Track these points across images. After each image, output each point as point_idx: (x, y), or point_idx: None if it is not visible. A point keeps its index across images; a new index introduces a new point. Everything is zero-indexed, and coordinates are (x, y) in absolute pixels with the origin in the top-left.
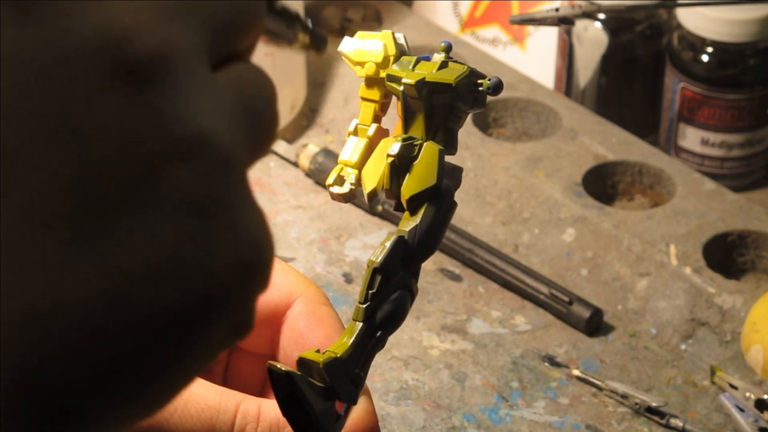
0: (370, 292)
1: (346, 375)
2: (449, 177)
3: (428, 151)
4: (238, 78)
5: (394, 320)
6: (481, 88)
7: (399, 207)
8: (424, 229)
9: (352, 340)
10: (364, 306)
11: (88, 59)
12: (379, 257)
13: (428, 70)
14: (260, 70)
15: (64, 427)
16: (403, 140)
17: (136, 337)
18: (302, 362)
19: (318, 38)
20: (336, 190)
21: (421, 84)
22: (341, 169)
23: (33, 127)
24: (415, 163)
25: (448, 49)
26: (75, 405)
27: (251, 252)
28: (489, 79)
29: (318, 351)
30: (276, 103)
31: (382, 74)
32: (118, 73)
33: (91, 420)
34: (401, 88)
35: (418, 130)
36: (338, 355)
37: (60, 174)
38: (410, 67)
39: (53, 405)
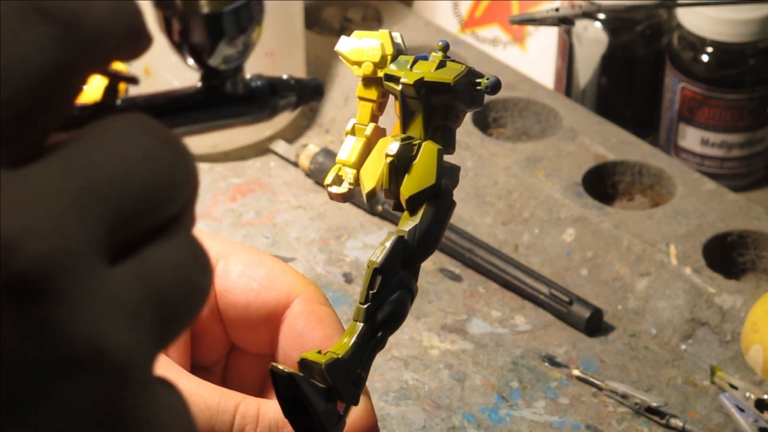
0: (371, 292)
1: (347, 375)
2: (447, 176)
3: (427, 150)
4: (144, 265)
5: (395, 320)
6: (479, 88)
7: (398, 207)
8: (423, 229)
9: (353, 341)
10: (365, 306)
11: None
12: (379, 258)
13: (426, 70)
14: (184, 240)
15: None
16: (402, 140)
17: None
18: (303, 363)
19: (309, 91)
20: (334, 189)
21: (420, 84)
22: (339, 169)
23: None
24: (414, 162)
25: (445, 48)
26: None
27: None
28: (487, 78)
29: (319, 352)
30: (199, 275)
31: (380, 74)
32: (0, 285)
33: None
34: (399, 87)
35: (416, 130)
36: (340, 356)
37: None
38: (408, 66)
39: None
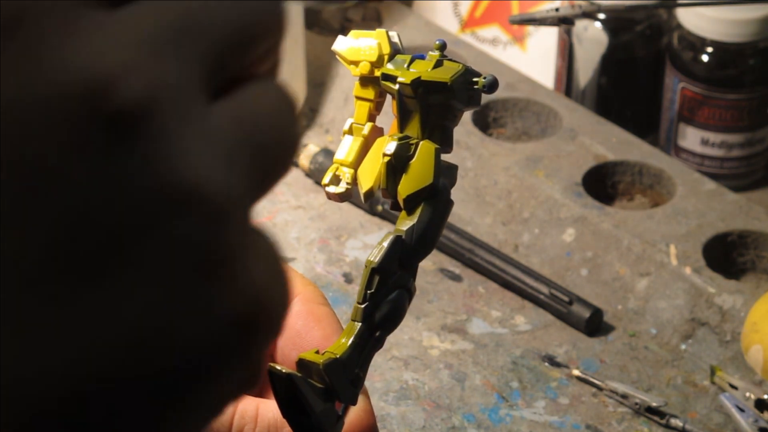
0: (369, 292)
1: (345, 375)
2: (445, 175)
3: (424, 150)
4: (243, 105)
5: (393, 320)
6: (476, 87)
7: (395, 206)
8: (421, 229)
9: (351, 341)
10: (363, 306)
11: (66, 107)
12: (377, 257)
13: (423, 69)
14: (275, 87)
15: None
16: (399, 139)
17: (126, 399)
18: (302, 363)
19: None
20: (332, 189)
21: (417, 83)
22: (337, 169)
23: (8, 181)
24: (412, 162)
25: (442, 47)
26: None
27: (254, 307)
28: (484, 78)
29: (317, 352)
30: (292, 124)
31: (377, 73)
32: (100, 122)
33: None
34: (396, 87)
35: (413, 129)
36: (338, 356)
37: (38, 231)
38: (405, 65)
39: None
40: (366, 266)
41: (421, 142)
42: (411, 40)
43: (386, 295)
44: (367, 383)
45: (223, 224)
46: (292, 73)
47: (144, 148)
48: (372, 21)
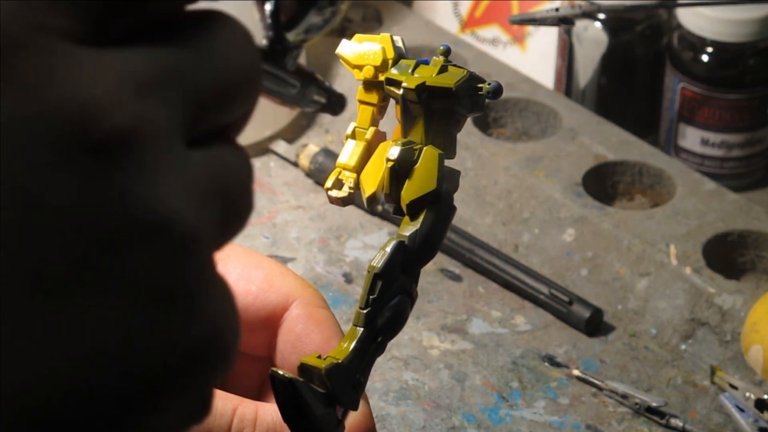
0: (371, 297)
1: (347, 381)
2: (448, 181)
3: (428, 155)
4: (215, 158)
5: (395, 325)
6: (480, 93)
7: (398, 211)
8: (424, 234)
9: (353, 346)
10: (365, 311)
11: (52, 131)
12: (379, 263)
13: (428, 74)
14: (241, 151)
15: None
16: (403, 144)
17: (81, 419)
18: (303, 368)
19: (335, 100)
20: (334, 193)
21: (421, 88)
22: (339, 173)
23: None
24: (415, 167)
25: (446, 52)
26: None
27: (210, 340)
28: (489, 84)
29: (319, 356)
30: (252, 188)
31: (381, 78)
32: (83, 148)
33: None
34: (400, 92)
35: (417, 134)
36: (339, 361)
37: (10, 249)
38: (409, 70)
39: None
40: (368, 271)
41: (424, 148)
42: (411, 40)
43: (388, 300)
44: (367, 383)
45: (189, 259)
46: None
47: (123, 179)
48: (372, 21)
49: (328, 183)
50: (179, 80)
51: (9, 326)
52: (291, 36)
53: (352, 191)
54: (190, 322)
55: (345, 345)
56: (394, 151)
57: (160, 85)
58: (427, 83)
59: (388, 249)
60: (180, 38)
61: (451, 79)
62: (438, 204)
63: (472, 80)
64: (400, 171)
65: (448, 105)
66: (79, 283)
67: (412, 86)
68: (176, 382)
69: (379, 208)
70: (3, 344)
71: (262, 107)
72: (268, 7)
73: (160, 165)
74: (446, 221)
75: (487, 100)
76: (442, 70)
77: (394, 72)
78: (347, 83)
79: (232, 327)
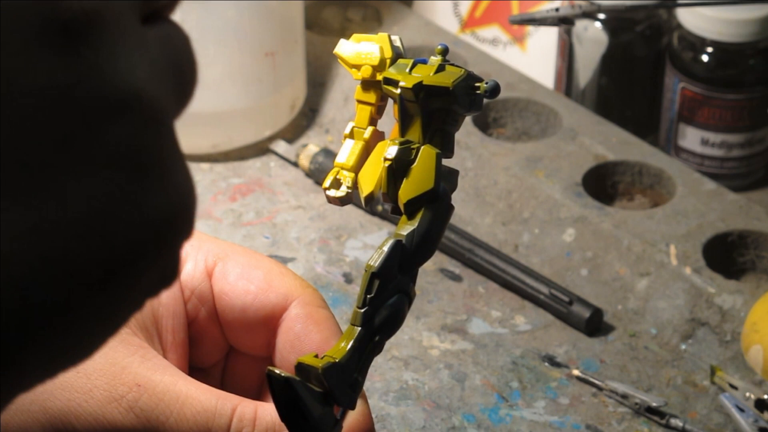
0: (368, 296)
1: (344, 380)
2: (446, 180)
3: (425, 154)
4: (164, 34)
5: (392, 325)
6: (478, 92)
7: (396, 210)
8: (421, 234)
9: (350, 345)
10: (362, 311)
11: (22, 14)
12: (376, 262)
13: (425, 74)
14: (180, 27)
15: None
16: (401, 144)
17: (63, 287)
18: (300, 367)
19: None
20: (332, 193)
21: (419, 87)
22: (338, 172)
23: None
24: (413, 167)
25: (444, 51)
26: (1, 349)
27: (178, 204)
28: (486, 83)
29: (316, 355)
30: (195, 58)
31: (379, 77)
32: (53, 28)
33: (18, 368)
34: (398, 91)
35: (415, 134)
36: (337, 360)
37: None
38: (407, 69)
39: None
40: (366, 270)
41: (422, 147)
42: (411, 40)
43: (386, 299)
44: (367, 383)
45: (157, 129)
46: (292, 73)
47: (92, 56)
48: (372, 21)
49: (326, 183)
50: None
51: None
52: None
53: (350, 191)
54: (160, 190)
55: (342, 344)
56: (392, 151)
57: None
58: (424, 82)
59: (386, 248)
60: None
61: (448, 78)
62: (435, 203)
63: (469, 79)
64: (397, 170)
65: (445, 104)
66: (58, 155)
67: (410, 85)
68: (152, 246)
69: (379, 207)
70: None
71: (262, 108)
72: None
73: (124, 42)
74: (444, 220)
75: (485, 100)
76: (440, 69)
77: (391, 71)
78: (347, 83)
79: (193, 192)
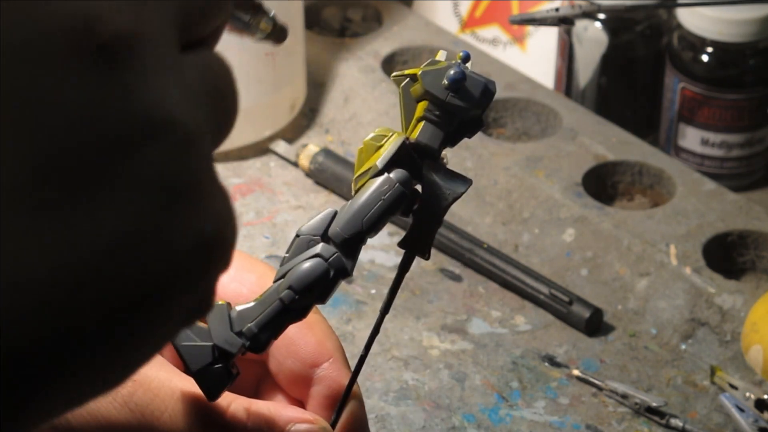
0: (286, 255)
1: (231, 324)
2: (447, 181)
3: (392, 139)
4: (204, 62)
5: (305, 285)
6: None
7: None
8: (354, 207)
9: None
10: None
11: (58, 38)
12: (304, 226)
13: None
14: (222, 57)
15: (23, 400)
16: (379, 131)
17: (95, 314)
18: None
19: (279, 29)
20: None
21: (396, 76)
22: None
23: (5, 103)
24: (379, 150)
25: (464, 59)
26: (33, 377)
27: (214, 232)
28: (453, 71)
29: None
30: (236, 88)
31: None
32: (88, 51)
33: (49, 394)
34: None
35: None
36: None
37: (28, 149)
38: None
39: (11, 378)
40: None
41: (394, 134)
42: (411, 40)
43: (302, 260)
44: (367, 383)
45: (191, 154)
46: (292, 73)
47: (125, 79)
48: (372, 21)
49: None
50: None
51: (25, 219)
52: None
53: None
54: (195, 216)
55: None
56: (369, 136)
57: None
58: (405, 72)
59: (319, 215)
60: None
61: (422, 67)
62: (380, 181)
63: (443, 70)
64: (364, 153)
65: (418, 90)
66: (93, 178)
67: (393, 74)
68: (186, 274)
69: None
70: (18, 235)
71: (262, 108)
72: None
73: (159, 66)
74: (381, 198)
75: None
76: (431, 64)
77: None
78: (347, 83)
79: (232, 223)
